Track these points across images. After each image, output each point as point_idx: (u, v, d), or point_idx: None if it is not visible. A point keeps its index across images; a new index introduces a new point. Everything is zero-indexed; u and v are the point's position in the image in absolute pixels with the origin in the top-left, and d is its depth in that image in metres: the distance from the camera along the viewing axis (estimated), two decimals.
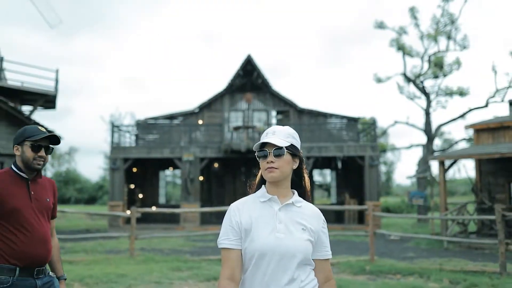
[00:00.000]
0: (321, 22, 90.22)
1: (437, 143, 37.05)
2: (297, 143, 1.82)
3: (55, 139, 2.57)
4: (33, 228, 2.46)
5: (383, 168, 49.89)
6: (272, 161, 1.72)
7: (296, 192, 1.83)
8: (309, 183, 1.89)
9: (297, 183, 1.86)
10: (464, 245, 12.23)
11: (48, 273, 2.59)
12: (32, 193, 2.52)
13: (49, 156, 2.58)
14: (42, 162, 2.52)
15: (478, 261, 9.63)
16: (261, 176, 1.82)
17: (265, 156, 1.75)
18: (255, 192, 1.84)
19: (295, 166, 1.80)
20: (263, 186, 1.82)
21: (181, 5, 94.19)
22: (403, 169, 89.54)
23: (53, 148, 2.58)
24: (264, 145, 1.76)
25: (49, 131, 2.55)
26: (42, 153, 2.50)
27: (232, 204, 1.81)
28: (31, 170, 2.52)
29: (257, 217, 1.73)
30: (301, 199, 1.82)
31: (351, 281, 7.26)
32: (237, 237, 1.72)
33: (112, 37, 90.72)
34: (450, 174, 49.29)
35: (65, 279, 2.75)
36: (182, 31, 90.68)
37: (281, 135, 1.78)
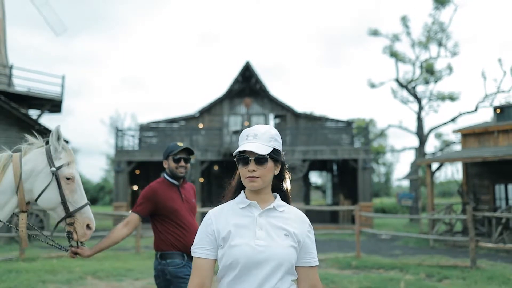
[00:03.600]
0: (319, 24, 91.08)
1: (436, 144, 37.91)
2: (280, 145, 1.68)
3: (191, 151, 3.29)
4: (189, 224, 3.17)
5: (382, 169, 50.62)
6: (253, 170, 1.60)
7: (278, 196, 1.71)
8: (289, 186, 1.79)
9: (278, 187, 1.74)
10: (449, 244, 12.95)
11: None
12: (183, 196, 3.23)
13: (189, 165, 3.28)
14: (184, 171, 3.21)
15: (458, 258, 10.37)
16: (239, 180, 1.73)
17: (245, 163, 1.62)
18: (232, 198, 1.73)
19: (277, 171, 1.69)
20: (242, 191, 1.71)
21: (181, 5, 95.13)
22: (402, 170, 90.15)
23: (190, 158, 3.28)
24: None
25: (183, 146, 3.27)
26: (182, 163, 3.22)
27: (209, 211, 1.71)
28: (177, 178, 3.23)
29: (236, 224, 1.61)
30: (283, 203, 1.70)
31: (337, 274, 8.03)
32: (212, 246, 1.62)
33: (112, 37, 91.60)
34: (448, 175, 50.08)
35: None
36: (181, 31, 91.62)
37: (263, 138, 1.63)
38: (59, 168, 2.58)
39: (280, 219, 1.64)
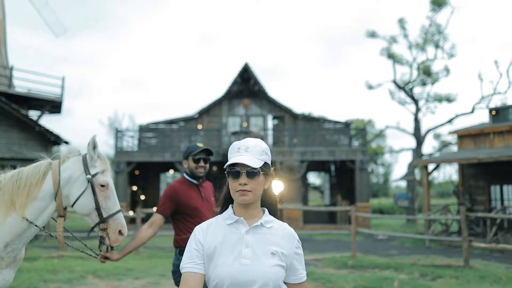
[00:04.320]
0: (319, 24, 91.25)
1: (434, 144, 38.15)
2: (269, 159, 1.69)
3: (210, 151, 3.37)
4: None
5: (380, 170, 50.85)
6: (245, 183, 1.58)
7: (266, 211, 1.69)
8: (277, 200, 1.76)
9: (267, 201, 1.72)
10: (445, 244, 13.12)
11: None
12: (203, 194, 3.33)
13: (208, 165, 3.36)
14: (203, 171, 3.31)
15: (453, 258, 10.53)
16: (227, 194, 1.70)
17: (236, 176, 1.59)
18: (220, 212, 1.71)
19: (267, 185, 1.67)
20: (230, 206, 1.69)
21: (181, 5, 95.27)
22: (400, 171, 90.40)
23: (209, 159, 3.35)
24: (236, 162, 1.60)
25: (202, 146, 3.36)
26: (201, 163, 3.31)
27: (196, 227, 1.69)
28: (196, 177, 3.34)
29: (222, 241, 1.59)
30: (272, 218, 1.68)
31: (333, 274, 8.20)
32: (202, 261, 1.59)
33: (112, 37, 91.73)
34: (447, 176, 50.35)
35: None
36: (181, 31, 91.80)
37: (255, 151, 1.62)
38: (94, 175, 2.72)
39: (268, 236, 1.61)
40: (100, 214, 2.73)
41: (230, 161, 1.60)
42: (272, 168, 1.71)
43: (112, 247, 2.86)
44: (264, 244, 1.58)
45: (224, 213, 1.68)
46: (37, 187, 2.68)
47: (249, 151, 1.61)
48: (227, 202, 1.71)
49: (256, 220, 1.63)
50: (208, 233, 1.63)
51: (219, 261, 1.55)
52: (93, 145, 2.75)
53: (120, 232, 2.79)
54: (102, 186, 2.74)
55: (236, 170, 1.59)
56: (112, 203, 2.78)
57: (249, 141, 1.66)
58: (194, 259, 1.59)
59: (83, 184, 2.72)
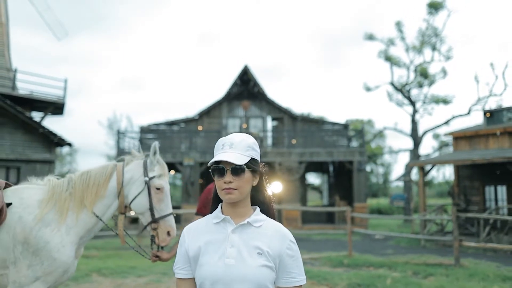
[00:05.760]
0: (319, 25, 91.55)
1: (434, 144, 38.48)
2: (258, 155, 1.60)
3: None
4: None
5: (380, 170, 51.09)
6: (230, 181, 1.51)
7: (257, 209, 1.61)
8: (271, 199, 1.68)
9: (258, 199, 1.64)
10: (440, 243, 13.40)
11: None
12: None
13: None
14: None
15: (446, 257, 10.82)
16: (216, 193, 1.63)
17: (221, 174, 1.52)
18: (211, 211, 1.66)
19: (255, 182, 1.59)
20: (220, 205, 1.63)
21: (180, 5, 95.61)
22: (400, 171, 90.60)
23: None
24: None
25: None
26: None
27: (185, 228, 1.65)
28: None
29: (208, 240, 1.54)
30: (263, 217, 1.59)
31: (329, 272, 8.49)
32: (187, 264, 1.56)
33: (112, 37, 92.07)
34: (446, 176, 50.60)
35: None
36: (181, 32, 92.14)
37: (240, 147, 1.54)
38: (151, 178, 3.01)
39: (255, 235, 1.53)
40: (152, 214, 2.99)
41: (214, 159, 1.54)
42: (262, 164, 1.64)
43: (161, 247, 3.09)
44: (251, 244, 1.51)
45: (213, 212, 1.64)
46: (104, 186, 3.01)
47: (233, 147, 1.54)
48: (216, 201, 1.66)
49: (244, 219, 1.56)
50: (194, 234, 1.59)
51: (203, 261, 1.51)
52: (154, 151, 3.05)
53: (168, 233, 3.02)
54: (158, 189, 3.01)
55: (221, 167, 1.52)
56: (165, 205, 3.03)
57: (234, 137, 1.59)
58: (179, 264, 1.58)
59: (141, 185, 3.01)
